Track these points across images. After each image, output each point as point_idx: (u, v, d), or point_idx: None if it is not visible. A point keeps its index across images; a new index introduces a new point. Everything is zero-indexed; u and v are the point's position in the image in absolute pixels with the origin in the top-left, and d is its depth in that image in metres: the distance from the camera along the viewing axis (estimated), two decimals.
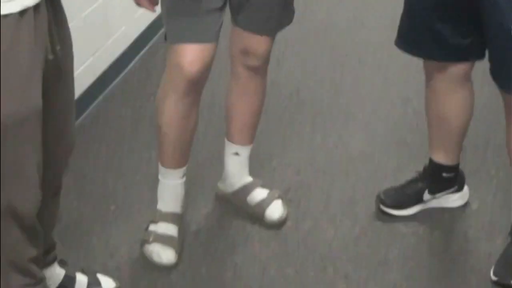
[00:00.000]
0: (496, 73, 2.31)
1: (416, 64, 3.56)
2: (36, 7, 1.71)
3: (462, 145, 2.62)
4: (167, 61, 2.35)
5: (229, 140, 2.64)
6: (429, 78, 2.53)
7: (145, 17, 3.72)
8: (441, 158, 2.61)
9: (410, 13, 2.44)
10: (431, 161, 2.64)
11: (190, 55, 2.26)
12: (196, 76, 2.29)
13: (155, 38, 3.85)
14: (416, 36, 2.43)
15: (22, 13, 1.68)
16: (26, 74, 1.73)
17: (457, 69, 2.44)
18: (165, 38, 2.35)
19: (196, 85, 2.32)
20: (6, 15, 1.65)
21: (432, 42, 2.39)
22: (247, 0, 2.34)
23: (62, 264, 2.29)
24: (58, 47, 1.86)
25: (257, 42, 2.45)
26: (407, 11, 2.45)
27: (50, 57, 1.80)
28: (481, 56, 2.40)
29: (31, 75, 1.75)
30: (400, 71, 3.61)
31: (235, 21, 2.45)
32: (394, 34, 3.97)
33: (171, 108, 2.35)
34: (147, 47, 3.79)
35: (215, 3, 2.26)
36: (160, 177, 2.49)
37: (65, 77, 1.94)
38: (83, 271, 2.34)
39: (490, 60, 2.33)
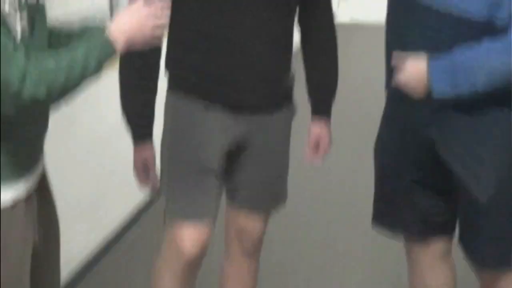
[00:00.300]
0: (468, 248, 2.31)
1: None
2: (27, 198, 1.72)
3: None
4: (164, 241, 2.34)
5: None
6: (410, 254, 2.51)
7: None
8: None
9: (385, 195, 2.42)
10: None
11: (190, 238, 2.26)
12: (196, 258, 2.29)
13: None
14: (395, 213, 2.40)
15: (13, 206, 1.68)
16: (19, 264, 1.71)
17: (439, 242, 2.43)
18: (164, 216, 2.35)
19: (195, 266, 2.32)
20: None
21: (411, 216, 2.37)
22: (242, 179, 2.38)
23: None
24: (41, 230, 1.84)
25: (252, 222, 2.47)
26: (381, 194, 2.43)
27: (36, 238, 1.79)
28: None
29: (23, 264, 1.73)
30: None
31: (230, 200, 2.47)
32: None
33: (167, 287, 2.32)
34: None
35: (211, 163, 2.26)
36: None
37: (50, 258, 1.92)
38: None
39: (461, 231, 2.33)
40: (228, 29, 2.12)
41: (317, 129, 2.43)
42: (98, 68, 1.59)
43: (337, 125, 4.39)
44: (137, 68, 2.23)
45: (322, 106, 2.42)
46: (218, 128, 2.25)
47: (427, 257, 2.46)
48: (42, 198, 1.85)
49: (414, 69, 2.09)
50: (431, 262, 2.47)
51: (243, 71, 2.17)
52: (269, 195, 2.47)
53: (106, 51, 1.60)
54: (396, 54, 2.15)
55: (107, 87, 2.70)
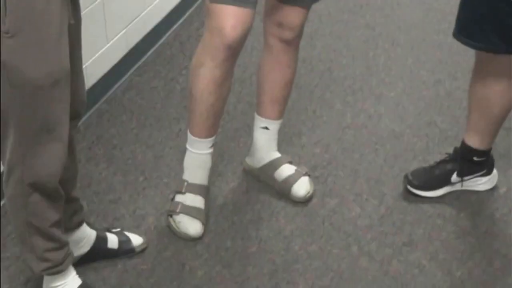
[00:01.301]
0: None
1: (449, 46, 3.56)
2: None
3: (498, 130, 2.60)
4: (206, 25, 2.34)
5: (259, 114, 2.65)
6: (479, 64, 2.50)
7: None
8: (475, 142, 2.60)
9: (469, 4, 2.38)
10: (463, 144, 2.63)
11: (232, 19, 2.25)
12: (236, 41, 2.29)
13: (189, 11, 3.87)
14: (477, 28, 2.36)
15: None
16: (58, 36, 1.78)
17: (509, 58, 2.39)
18: None
19: (235, 51, 2.33)
20: None
21: (494, 34, 2.33)
22: None
23: (91, 226, 2.34)
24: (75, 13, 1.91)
25: (292, 14, 2.46)
26: (466, 8, 2.40)
27: (72, 22, 1.85)
28: None
29: (62, 37, 1.80)
30: (433, 52, 3.59)
31: None
32: (428, 14, 3.98)
33: (207, 75, 2.34)
34: (181, 20, 3.80)
35: None
36: (188, 146, 2.50)
37: (78, 44, 1.97)
38: (110, 231, 2.41)
39: None
40: None
41: None
42: None
43: None
44: None
45: None
46: None
47: (495, 69, 2.44)
48: None
49: None
50: (497, 73, 2.45)
51: None
52: None
53: None
54: None
55: None
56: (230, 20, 2.25)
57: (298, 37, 2.53)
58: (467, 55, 3.47)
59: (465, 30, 2.42)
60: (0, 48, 1.71)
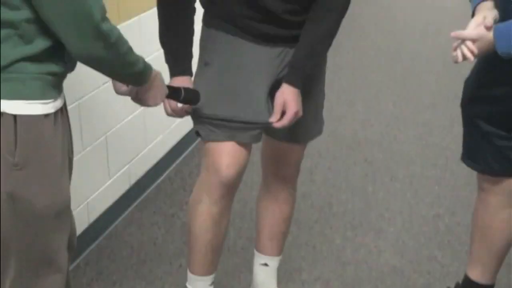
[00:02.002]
0: None
1: (447, 181, 3.61)
2: (61, 109, 1.86)
3: (501, 265, 2.59)
4: (202, 163, 2.38)
5: (258, 250, 2.65)
6: (480, 190, 2.53)
7: (182, 127, 3.82)
8: (477, 275, 2.58)
9: (464, 123, 2.47)
10: (466, 277, 2.61)
11: (227, 157, 2.29)
12: (232, 180, 2.32)
13: (190, 148, 3.94)
14: (476, 149, 2.44)
15: (57, 113, 1.82)
16: (61, 168, 1.84)
17: (510, 184, 2.43)
18: (197, 134, 2.37)
19: (231, 189, 2.35)
20: (47, 114, 1.78)
21: (486, 153, 2.40)
22: None
23: None
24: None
25: (289, 151, 2.51)
26: (463, 123, 2.48)
27: (71, 156, 1.93)
28: None
29: (64, 169, 1.86)
30: (432, 187, 3.62)
31: (266, 131, 2.50)
32: (425, 149, 4.05)
33: (204, 212, 2.36)
34: (182, 156, 3.87)
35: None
36: (188, 285, 2.49)
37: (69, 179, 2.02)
38: None
39: None
40: None
41: (281, 96, 2.29)
42: (131, 78, 1.96)
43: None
44: (173, 4, 2.30)
45: (290, 72, 2.29)
46: (262, 61, 2.28)
47: (497, 196, 2.47)
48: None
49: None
50: (500, 200, 2.47)
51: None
52: (305, 128, 2.48)
53: (142, 78, 1.99)
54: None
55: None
56: (225, 158, 2.29)
57: (296, 174, 2.57)
58: (466, 190, 3.51)
59: (468, 153, 2.48)
60: (7, 180, 1.75)
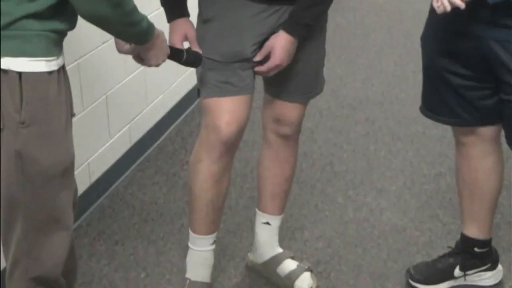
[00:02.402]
0: (509, 133, 2.32)
1: (448, 138, 3.59)
2: (63, 68, 1.86)
3: (494, 216, 2.59)
4: (202, 121, 2.38)
5: (259, 209, 2.65)
6: (459, 144, 2.52)
7: (182, 87, 3.80)
8: (473, 231, 2.58)
9: (430, 79, 2.45)
10: (463, 235, 2.62)
11: (227, 115, 2.29)
12: (232, 138, 2.31)
13: (191, 108, 3.92)
14: (440, 102, 2.43)
15: (59, 71, 1.82)
16: (66, 126, 1.84)
17: (487, 132, 2.43)
18: (198, 94, 2.37)
19: (231, 147, 2.35)
20: (51, 72, 1.78)
21: (458, 106, 2.39)
22: (279, 71, 2.36)
23: None
24: None
25: (289, 110, 2.49)
26: (427, 78, 2.46)
27: (74, 114, 1.93)
28: None
29: (68, 127, 1.86)
30: (434, 145, 3.62)
31: (267, 89, 2.49)
32: None
33: (204, 171, 2.36)
34: (182, 116, 3.86)
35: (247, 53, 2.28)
36: (190, 244, 2.50)
37: None
38: None
39: (505, 119, 2.34)
40: None
41: (273, 40, 2.27)
42: (135, 36, 1.95)
43: None
44: None
45: (290, 20, 2.26)
46: (254, 18, 2.26)
47: (476, 146, 2.47)
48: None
49: None
50: (480, 150, 2.47)
51: None
52: (305, 86, 2.46)
53: (145, 37, 1.97)
54: None
55: None
56: (224, 116, 2.28)
57: (297, 133, 2.56)
58: None
59: (430, 105, 2.48)
60: (14, 138, 1.75)
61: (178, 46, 2.29)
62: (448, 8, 2.08)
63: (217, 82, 2.29)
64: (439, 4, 2.10)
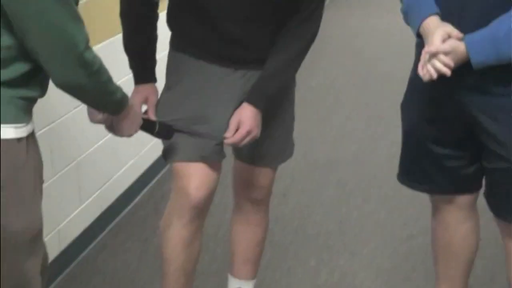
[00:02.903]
0: (493, 202, 2.33)
1: (420, 199, 3.61)
2: (32, 134, 1.86)
3: (469, 276, 2.59)
4: (173, 185, 2.37)
5: (232, 274, 2.64)
6: (436, 210, 2.53)
7: (153, 151, 3.80)
8: None
9: (409, 146, 2.44)
10: None
11: (196, 179, 2.28)
12: (201, 202, 2.31)
13: (163, 171, 3.91)
14: (419, 170, 2.43)
15: (28, 137, 1.82)
16: (34, 192, 1.84)
17: (464, 199, 2.43)
18: (164, 158, 2.37)
19: (202, 211, 2.34)
20: (20, 138, 1.78)
21: (436, 175, 2.39)
22: None
23: None
24: None
25: (260, 175, 2.50)
26: (406, 145, 2.46)
27: (43, 180, 1.92)
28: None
29: (37, 193, 1.86)
30: (405, 206, 3.63)
31: (237, 155, 2.51)
32: (397, 168, 4.05)
33: (175, 235, 2.35)
34: (155, 180, 3.85)
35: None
36: None
37: None
38: None
39: (487, 187, 2.35)
40: None
41: (238, 112, 2.29)
42: (109, 106, 1.97)
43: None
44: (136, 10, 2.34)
45: (253, 92, 2.30)
46: (220, 82, 2.30)
47: (453, 213, 2.47)
48: None
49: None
50: (457, 217, 2.47)
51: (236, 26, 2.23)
52: (275, 152, 2.49)
53: (119, 107, 1.99)
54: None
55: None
56: (194, 181, 2.28)
57: (267, 197, 2.57)
58: None
59: (409, 173, 2.47)
60: None
61: (136, 107, 2.30)
62: (435, 76, 2.09)
63: (184, 146, 2.29)
64: (425, 72, 2.11)
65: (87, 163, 3.17)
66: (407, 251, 3.27)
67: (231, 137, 2.27)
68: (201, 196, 2.29)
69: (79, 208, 3.15)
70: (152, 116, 2.31)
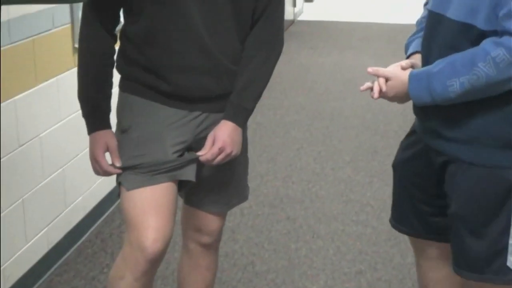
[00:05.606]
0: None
1: (368, 237, 3.64)
2: None
3: None
4: (126, 236, 2.28)
5: None
6: (414, 252, 2.51)
7: (101, 188, 3.77)
8: None
9: (394, 189, 2.44)
10: None
11: (153, 232, 2.20)
12: (158, 255, 2.22)
13: (111, 209, 3.88)
14: (401, 213, 2.41)
15: None
16: None
17: (442, 247, 2.39)
18: (118, 195, 2.31)
19: (156, 263, 2.26)
20: None
21: (415, 219, 2.37)
22: (199, 181, 2.33)
23: None
24: None
25: (210, 220, 2.46)
26: (394, 188, 2.46)
27: None
28: None
29: None
30: (353, 243, 3.65)
31: (187, 200, 2.47)
32: (347, 206, 4.09)
33: None
34: (102, 218, 3.80)
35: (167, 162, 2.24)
36: None
37: None
38: None
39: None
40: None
41: (215, 129, 2.27)
42: None
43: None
44: (93, 59, 2.28)
45: (228, 108, 2.28)
46: (173, 125, 2.25)
47: (431, 260, 2.44)
48: None
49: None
50: (434, 264, 2.44)
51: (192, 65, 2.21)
52: (228, 197, 2.46)
53: None
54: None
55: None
56: (150, 233, 2.19)
57: (217, 241, 2.53)
58: (387, 245, 3.55)
59: (394, 215, 2.46)
60: None
61: (100, 158, 2.28)
62: (376, 95, 2.20)
63: (140, 179, 2.25)
64: (364, 89, 2.24)
65: (33, 201, 3.13)
66: (355, 287, 3.29)
67: (204, 154, 2.24)
68: (158, 249, 2.21)
69: (25, 246, 3.10)
70: (117, 162, 2.27)
